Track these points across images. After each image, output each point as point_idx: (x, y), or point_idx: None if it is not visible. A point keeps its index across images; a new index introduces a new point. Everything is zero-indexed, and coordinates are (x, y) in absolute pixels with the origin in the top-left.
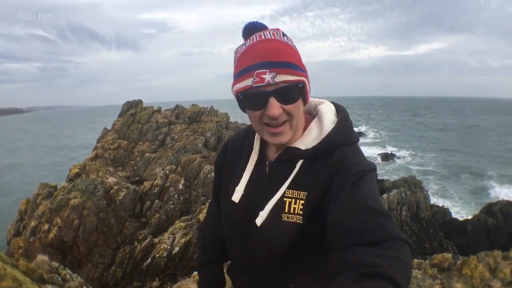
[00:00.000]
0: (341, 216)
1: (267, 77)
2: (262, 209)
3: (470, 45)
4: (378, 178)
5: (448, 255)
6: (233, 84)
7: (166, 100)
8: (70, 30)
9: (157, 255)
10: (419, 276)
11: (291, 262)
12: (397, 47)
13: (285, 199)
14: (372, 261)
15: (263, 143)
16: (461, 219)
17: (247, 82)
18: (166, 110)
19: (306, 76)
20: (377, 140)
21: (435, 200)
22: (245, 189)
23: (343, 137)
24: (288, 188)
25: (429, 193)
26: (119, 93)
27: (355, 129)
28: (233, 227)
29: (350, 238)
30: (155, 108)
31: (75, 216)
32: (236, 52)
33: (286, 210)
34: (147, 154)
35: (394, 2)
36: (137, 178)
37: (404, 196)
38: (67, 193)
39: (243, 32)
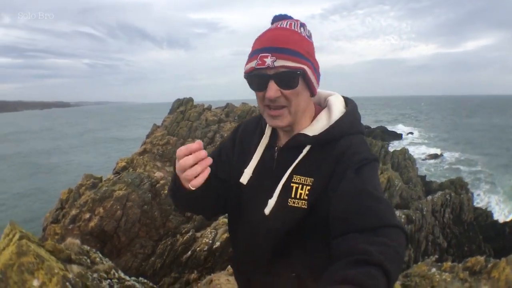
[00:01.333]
0: (342, 202)
1: (268, 60)
2: (269, 194)
3: None
4: (427, 179)
5: (481, 258)
6: (245, 64)
7: (217, 99)
8: (119, 28)
9: (198, 248)
10: (449, 279)
11: (295, 250)
12: (446, 44)
13: (292, 184)
14: (364, 248)
15: (274, 129)
16: (504, 219)
17: (252, 64)
18: (216, 108)
19: (310, 66)
20: (426, 141)
21: (481, 199)
22: (254, 172)
23: (349, 126)
24: (295, 173)
25: (474, 194)
26: (170, 91)
27: (405, 129)
28: (239, 209)
29: (347, 224)
30: (205, 106)
31: (118, 207)
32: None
33: (293, 195)
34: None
35: None
36: None
37: (449, 198)
38: (112, 184)
39: (271, 22)
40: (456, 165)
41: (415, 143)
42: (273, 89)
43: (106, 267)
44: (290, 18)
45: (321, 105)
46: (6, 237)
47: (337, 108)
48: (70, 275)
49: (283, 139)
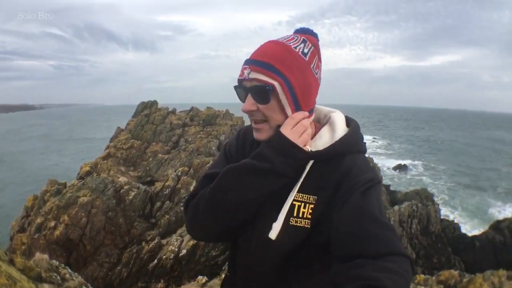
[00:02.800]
0: (347, 223)
1: (246, 72)
2: (270, 213)
3: (483, 59)
4: (391, 189)
5: (455, 272)
6: None
7: (182, 102)
8: (86, 29)
9: (164, 256)
10: None
11: (301, 270)
12: (413, 58)
13: (294, 202)
14: (373, 274)
15: None
16: (465, 233)
17: (239, 75)
18: (181, 111)
19: (282, 83)
20: (390, 152)
21: (444, 213)
22: None
23: (354, 144)
24: (298, 191)
25: (439, 207)
26: (134, 94)
27: (369, 137)
28: (237, 229)
29: (353, 248)
30: (170, 110)
31: (83, 214)
32: None
33: (295, 214)
34: (159, 155)
35: (410, 13)
36: (148, 178)
37: (415, 208)
38: (77, 190)
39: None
40: (419, 176)
41: (379, 154)
42: (248, 103)
43: (76, 284)
44: (306, 31)
45: (321, 122)
46: None
47: (340, 126)
48: None
49: None
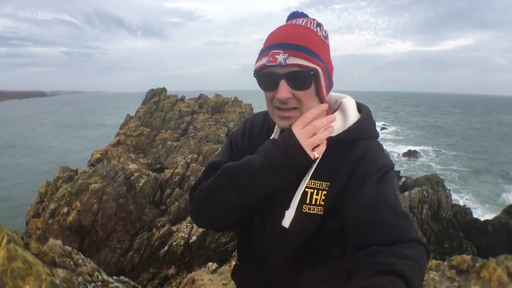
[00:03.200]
0: (362, 210)
1: (280, 57)
2: (282, 201)
3: (496, 42)
4: (401, 175)
5: (467, 257)
6: (255, 64)
7: (191, 89)
8: (96, 16)
9: (175, 243)
10: (437, 278)
11: (316, 257)
12: (424, 43)
13: (306, 189)
14: (388, 260)
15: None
16: (477, 217)
17: (263, 61)
18: (189, 99)
19: (323, 68)
20: (399, 137)
21: (455, 198)
22: None
23: (367, 129)
24: (310, 178)
25: (451, 192)
26: (144, 81)
27: (379, 124)
28: (249, 217)
29: (368, 236)
30: (178, 97)
31: (94, 201)
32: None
33: (308, 201)
34: (169, 143)
35: None
36: (158, 165)
37: (426, 194)
38: (88, 177)
39: (286, 20)
40: (429, 162)
41: (389, 140)
42: (284, 90)
43: (89, 269)
44: (306, 16)
45: (331, 108)
46: None
47: (352, 111)
48: (57, 281)
49: None
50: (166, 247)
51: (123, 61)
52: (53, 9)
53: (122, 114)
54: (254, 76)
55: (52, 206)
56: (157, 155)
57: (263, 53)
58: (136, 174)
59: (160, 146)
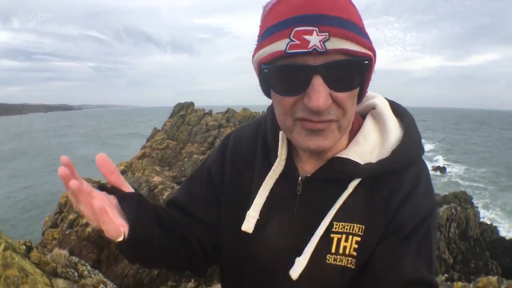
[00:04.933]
0: (394, 270)
1: (314, 39)
2: (292, 247)
3: None
4: None
5: (493, 279)
6: (255, 51)
7: (219, 104)
8: (125, 32)
9: None
10: None
11: None
12: (452, 58)
13: (332, 235)
14: None
15: (291, 148)
16: (505, 235)
17: (278, 45)
18: (217, 113)
19: (375, 55)
20: (428, 154)
21: (484, 215)
22: (262, 214)
23: (418, 150)
24: (336, 219)
25: (479, 209)
26: (172, 96)
27: None
28: (242, 266)
29: None
30: (206, 111)
31: None
32: (264, 8)
33: (334, 250)
34: (195, 156)
35: (449, 12)
36: (183, 178)
37: (454, 212)
38: None
39: None
40: (457, 178)
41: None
42: (322, 93)
43: (94, 281)
44: None
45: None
46: None
47: (393, 121)
48: None
49: (307, 164)
50: None
51: (152, 76)
52: (80, 26)
53: (149, 127)
54: (263, 71)
55: (71, 216)
56: (182, 168)
57: (276, 31)
58: (160, 186)
59: (186, 159)
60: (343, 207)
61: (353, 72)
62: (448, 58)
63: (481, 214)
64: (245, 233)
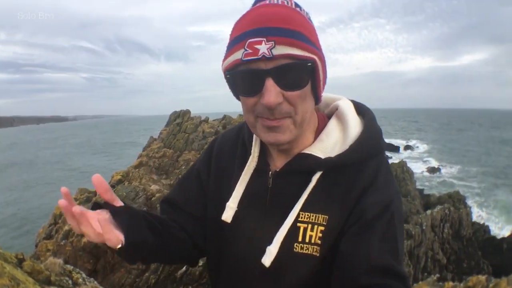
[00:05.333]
0: (360, 256)
1: (263, 47)
2: (264, 237)
3: (509, 56)
4: (425, 193)
5: (482, 278)
6: (223, 59)
7: (216, 111)
8: (117, 42)
9: None
10: None
11: None
12: (443, 58)
13: (298, 224)
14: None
15: (264, 147)
16: (498, 233)
17: (236, 55)
18: (214, 120)
19: (321, 57)
20: (423, 154)
21: (477, 214)
22: (240, 206)
23: (375, 144)
24: (302, 210)
25: (472, 209)
26: (169, 104)
27: (402, 142)
28: (222, 254)
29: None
30: (202, 118)
31: None
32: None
33: (300, 239)
34: (192, 163)
35: (436, 12)
36: None
37: (448, 212)
38: None
39: (253, 3)
40: (451, 179)
41: (412, 157)
42: (273, 92)
43: None
44: None
45: (320, 110)
46: None
47: (353, 119)
48: None
49: (277, 160)
50: (184, 268)
51: (147, 85)
52: (70, 37)
53: (145, 136)
54: (226, 77)
55: (66, 227)
56: (180, 176)
57: (235, 44)
58: (157, 195)
59: (183, 167)
60: (309, 199)
61: (299, 73)
62: (439, 59)
63: (475, 213)
64: (225, 223)
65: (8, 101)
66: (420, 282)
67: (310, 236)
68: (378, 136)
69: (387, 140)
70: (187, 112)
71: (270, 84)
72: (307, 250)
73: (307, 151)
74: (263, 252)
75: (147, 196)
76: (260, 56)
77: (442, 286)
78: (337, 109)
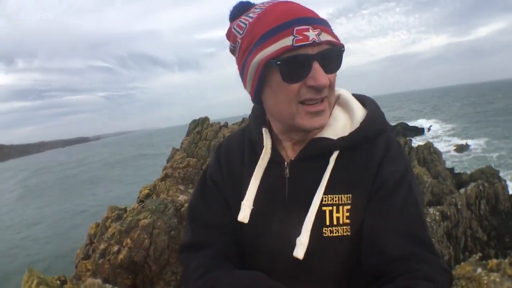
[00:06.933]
0: (384, 233)
1: (311, 34)
2: (289, 229)
3: None
4: (455, 172)
5: None
6: (256, 52)
7: (234, 115)
8: (130, 58)
9: None
10: (498, 279)
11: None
12: (458, 34)
13: (323, 208)
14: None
15: (273, 139)
16: None
17: (285, 42)
18: (233, 124)
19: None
20: (449, 133)
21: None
22: (256, 202)
23: (383, 120)
24: (325, 193)
25: (507, 182)
26: (186, 113)
27: (426, 123)
28: (253, 259)
29: (390, 269)
30: (221, 124)
31: (145, 236)
32: (239, 27)
33: (328, 223)
34: (199, 178)
35: None
36: None
37: (482, 189)
38: (137, 214)
39: (232, 11)
40: (482, 153)
41: (439, 136)
42: (323, 74)
43: None
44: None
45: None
46: (26, 284)
47: (355, 104)
48: None
49: (290, 151)
50: None
51: (163, 97)
52: (83, 58)
53: (168, 147)
54: (275, 65)
55: (102, 246)
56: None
57: (278, 32)
58: (186, 205)
59: None
60: (330, 181)
61: (336, 57)
62: (454, 35)
63: (511, 186)
64: (243, 223)
65: (33, 128)
66: (462, 263)
67: (338, 218)
68: (383, 115)
69: (410, 123)
70: (206, 119)
71: (317, 67)
72: (337, 233)
73: (319, 135)
74: (292, 245)
75: (176, 207)
76: (311, 41)
77: (486, 264)
78: (338, 98)
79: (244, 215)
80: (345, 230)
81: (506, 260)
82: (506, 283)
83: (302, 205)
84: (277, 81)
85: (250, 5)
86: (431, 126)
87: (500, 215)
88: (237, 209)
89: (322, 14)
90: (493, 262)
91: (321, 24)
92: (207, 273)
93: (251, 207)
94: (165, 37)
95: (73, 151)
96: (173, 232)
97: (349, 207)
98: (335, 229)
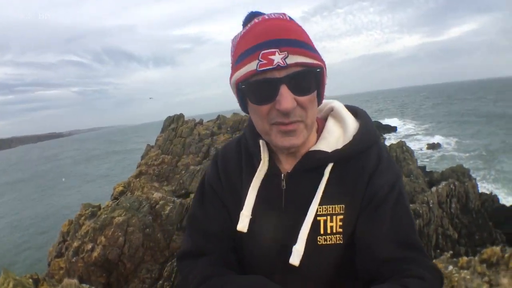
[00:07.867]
0: (376, 240)
1: (277, 58)
2: (286, 238)
3: (497, 24)
4: (427, 170)
5: (497, 249)
6: (232, 74)
7: (209, 112)
8: (105, 53)
9: None
10: (468, 277)
11: None
12: (431, 34)
13: (318, 218)
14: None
15: (270, 152)
16: (504, 204)
17: (251, 66)
18: (208, 121)
19: (324, 64)
20: (420, 132)
21: (482, 186)
22: (254, 212)
23: (375, 132)
24: (320, 204)
25: (476, 181)
26: (162, 109)
27: (399, 122)
28: (250, 266)
29: (381, 271)
30: (196, 121)
31: (119, 234)
32: (233, 40)
33: (322, 232)
34: (191, 167)
35: None
36: (183, 191)
37: (453, 187)
38: (111, 211)
39: (244, 21)
40: (453, 152)
41: (411, 135)
42: (288, 98)
43: None
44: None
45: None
46: (2, 286)
47: (348, 116)
48: None
49: (286, 164)
50: None
51: (138, 93)
52: (57, 52)
53: (142, 144)
54: (240, 88)
55: (75, 244)
56: (181, 181)
57: (246, 56)
58: (161, 202)
59: (183, 172)
60: (325, 192)
61: (309, 79)
62: (427, 35)
63: (480, 185)
64: (242, 232)
65: (5, 123)
66: (434, 261)
67: (331, 227)
68: (374, 128)
69: (383, 122)
70: (181, 116)
71: (285, 90)
72: (330, 241)
73: (314, 148)
74: (288, 253)
75: (150, 204)
76: (275, 66)
77: (456, 262)
78: (331, 110)
79: (243, 225)
80: (338, 238)
81: (476, 258)
82: (476, 280)
83: (298, 215)
84: (250, 101)
85: (253, 17)
86: (404, 124)
87: (470, 213)
88: (236, 215)
89: (297, 12)
90: (464, 259)
91: (292, 46)
92: (207, 280)
93: (250, 216)
94: (140, 32)
95: (45, 146)
96: (148, 229)
97: (342, 216)
98: (329, 238)
